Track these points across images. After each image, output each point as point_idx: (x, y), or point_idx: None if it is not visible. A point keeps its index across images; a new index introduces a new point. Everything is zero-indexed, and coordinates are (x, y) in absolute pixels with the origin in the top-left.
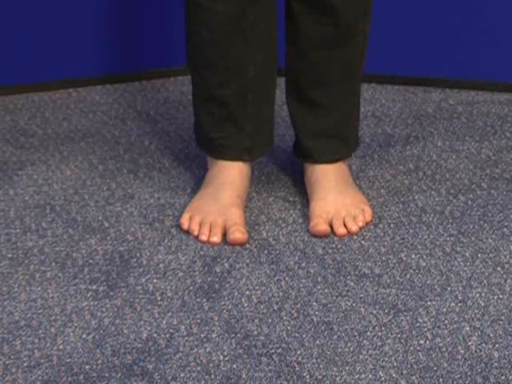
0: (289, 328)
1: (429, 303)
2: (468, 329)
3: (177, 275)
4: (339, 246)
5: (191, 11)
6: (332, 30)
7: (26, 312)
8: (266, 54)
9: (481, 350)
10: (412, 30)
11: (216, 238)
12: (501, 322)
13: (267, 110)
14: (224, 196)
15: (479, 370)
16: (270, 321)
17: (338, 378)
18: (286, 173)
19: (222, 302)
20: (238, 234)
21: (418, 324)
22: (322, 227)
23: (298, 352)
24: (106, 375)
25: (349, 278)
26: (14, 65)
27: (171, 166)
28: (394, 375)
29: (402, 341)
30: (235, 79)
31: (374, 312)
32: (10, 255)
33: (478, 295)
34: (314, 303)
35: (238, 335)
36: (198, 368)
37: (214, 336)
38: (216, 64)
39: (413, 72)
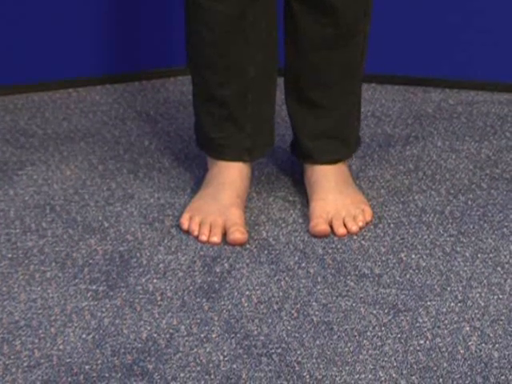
0: (289, 328)
1: (429, 303)
2: (468, 329)
3: (177, 275)
4: (339, 246)
5: (191, 11)
6: (332, 30)
7: (25, 312)
8: (266, 53)
9: (481, 350)
10: (412, 30)
11: (216, 238)
12: (501, 322)
13: (267, 110)
14: (224, 196)
15: (479, 370)
16: (270, 321)
17: (337, 378)
18: (285, 173)
19: (222, 302)
20: (237, 234)
21: (417, 324)
22: (322, 227)
23: (298, 352)
24: (106, 375)
25: (349, 277)
26: (14, 65)
27: (171, 166)
28: (394, 375)
29: (402, 341)
30: (235, 79)
31: (374, 312)
32: (9, 255)
33: (477, 295)
34: (314, 303)
35: (238, 335)
36: (198, 368)
37: (213, 336)
38: (216, 64)
39: (413, 72)
